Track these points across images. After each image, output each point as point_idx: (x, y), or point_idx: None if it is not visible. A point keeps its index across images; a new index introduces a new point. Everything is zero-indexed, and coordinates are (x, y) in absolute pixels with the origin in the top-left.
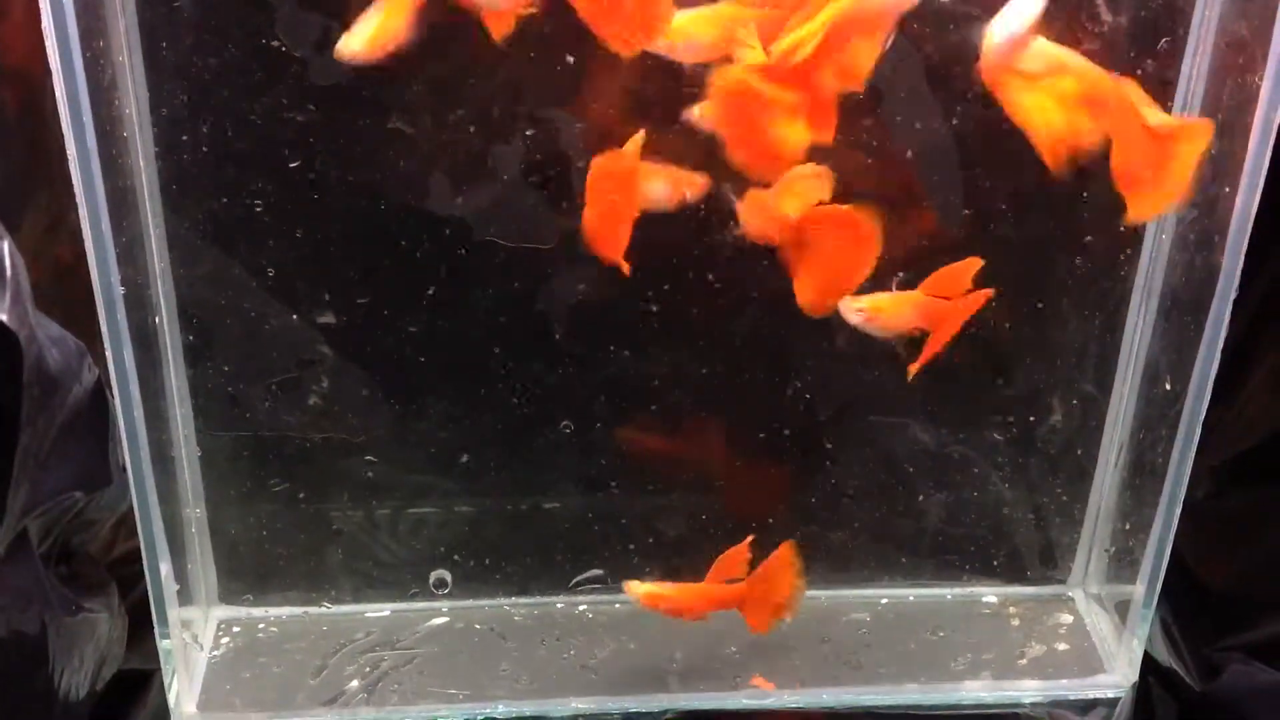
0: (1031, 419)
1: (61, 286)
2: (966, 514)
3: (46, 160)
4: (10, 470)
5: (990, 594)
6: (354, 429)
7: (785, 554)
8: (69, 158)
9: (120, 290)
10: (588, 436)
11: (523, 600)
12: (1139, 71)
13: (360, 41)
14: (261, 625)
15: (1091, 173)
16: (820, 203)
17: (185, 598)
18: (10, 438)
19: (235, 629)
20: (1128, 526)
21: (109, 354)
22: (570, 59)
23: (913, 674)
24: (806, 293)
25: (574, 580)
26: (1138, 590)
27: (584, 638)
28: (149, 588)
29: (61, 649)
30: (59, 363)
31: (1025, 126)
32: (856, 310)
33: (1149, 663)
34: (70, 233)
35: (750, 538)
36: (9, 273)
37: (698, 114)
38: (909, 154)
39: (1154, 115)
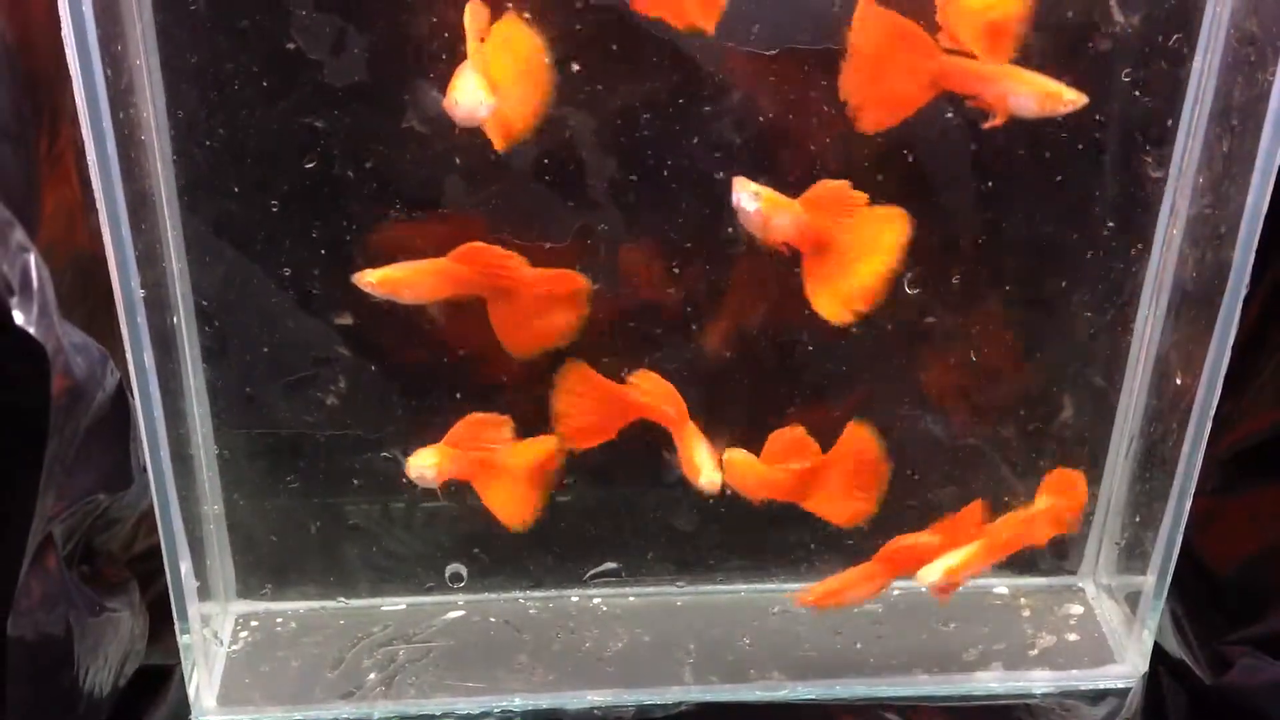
0: (1043, 412)
1: (81, 288)
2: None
3: (66, 163)
4: (38, 479)
5: (1001, 585)
6: (369, 425)
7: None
8: (88, 162)
9: (140, 292)
10: None
11: (537, 594)
12: (1150, 68)
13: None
14: (279, 620)
15: (1104, 168)
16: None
17: (204, 594)
18: (38, 447)
19: (253, 624)
20: (1138, 518)
21: (129, 355)
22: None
23: (924, 665)
24: (824, 299)
25: (588, 574)
26: (1148, 581)
27: (599, 631)
28: (169, 585)
29: (86, 650)
30: (84, 370)
31: None
32: None
33: (1159, 654)
34: (90, 235)
35: None
36: (35, 285)
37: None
38: (916, 152)
39: None
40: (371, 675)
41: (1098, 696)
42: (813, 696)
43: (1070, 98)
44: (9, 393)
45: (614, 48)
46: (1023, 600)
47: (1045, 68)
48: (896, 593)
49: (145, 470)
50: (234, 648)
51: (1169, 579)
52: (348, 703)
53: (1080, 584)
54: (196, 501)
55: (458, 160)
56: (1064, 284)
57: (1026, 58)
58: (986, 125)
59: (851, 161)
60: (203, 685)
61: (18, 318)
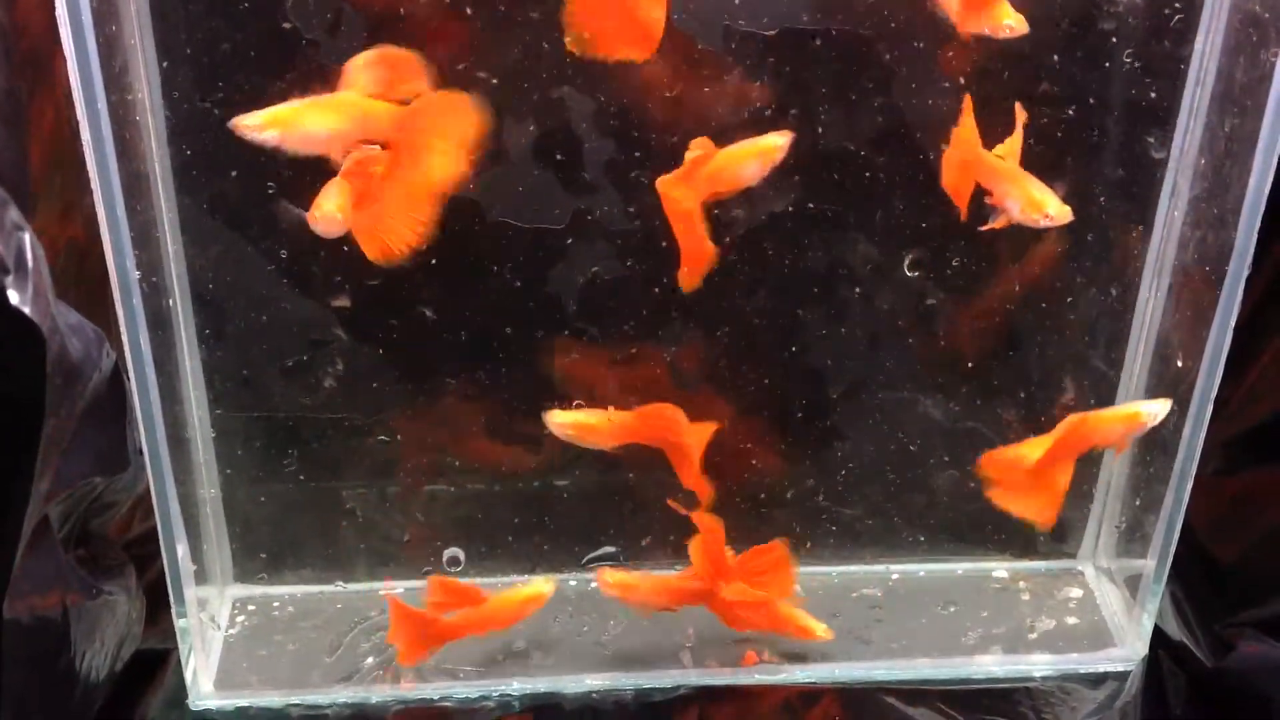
0: (1043, 394)
1: (77, 270)
2: (977, 489)
3: (60, 145)
4: (34, 461)
5: (1001, 568)
6: (366, 409)
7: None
8: (83, 143)
9: (136, 275)
10: None
11: (535, 578)
12: (1152, 49)
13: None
14: (276, 604)
15: (1106, 149)
16: None
17: (201, 577)
18: (34, 428)
19: (250, 607)
20: (1138, 501)
21: (125, 338)
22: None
23: (923, 649)
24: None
25: (586, 558)
26: (1148, 565)
27: (597, 615)
28: (166, 568)
29: (83, 633)
30: (79, 352)
31: None
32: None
33: (1159, 637)
34: (85, 217)
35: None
36: (30, 265)
37: None
38: (918, 135)
39: None
40: (369, 659)
41: (1097, 680)
42: (811, 680)
43: (1053, 212)
44: (3, 374)
45: None
46: (1022, 584)
47: (1047, 53)
48: (895, 576)
49: (141, 453)
50: (231, 631)
51: (1169, 562)
52: (345, 687)
53: (1080, 567)
54: (193, 484)
55: None
56: (1065, 266)
57: (1029, 41)
58: (985, 228)
59: (854, 145)
60: (200, 669)
61: (13, 298)
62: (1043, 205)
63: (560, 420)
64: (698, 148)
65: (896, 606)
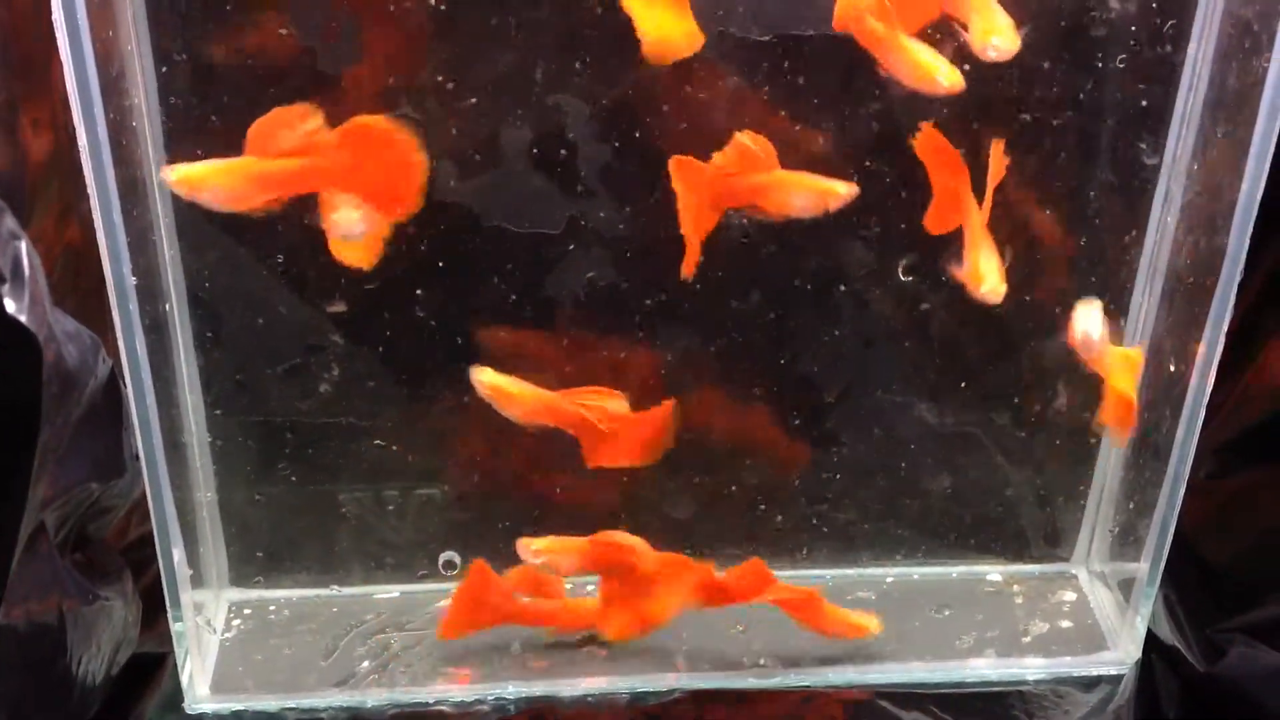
0: (1037, 399)
1: (73, 276)
2: (971, 493)
3: (56, 150)
4: (30, 467)
5: (995, 572)
6: (362, 413)
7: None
8: (80, 148)
9: (132, 279)
10: None
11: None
12: (1145, 54)
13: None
14: (272, 608)
15: (1099, 154)
16: None
17: (197, 581)
18: (30, 435)
19: (246, 611)
20: (1132, 505)
21: (121, 343)
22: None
23: (918, 652)
24: None
25: None
26: (1141, 568)
27: None
28: (162, 572)
29: (80, 638)
30: (75, 359)
31: None
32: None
33: (1152, 641)
34: (82, 222)
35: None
36: (27, 272)
37: None
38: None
39: None
40: (364, 663)
41: (1091, 683)
42: (806, 684)
43: (981, 290)
44: (0, 382)
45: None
46: (1016, 587)
47: (1041, 59)
48: (890, 580)
49: (138, 458)
50: (227, 635)
51: (1162, 566)
52: (341, 691)
53: (1073, 571)
54: (189, 489)
55: (451, 146)
56: (1058, 271)
57: (1023, 46)
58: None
59: (848, 154)
60: (196, 673)
61: (9, 305)
62: (976, 280)
63: (484, 379)
64: (746, 139)
65: (891, 610)
